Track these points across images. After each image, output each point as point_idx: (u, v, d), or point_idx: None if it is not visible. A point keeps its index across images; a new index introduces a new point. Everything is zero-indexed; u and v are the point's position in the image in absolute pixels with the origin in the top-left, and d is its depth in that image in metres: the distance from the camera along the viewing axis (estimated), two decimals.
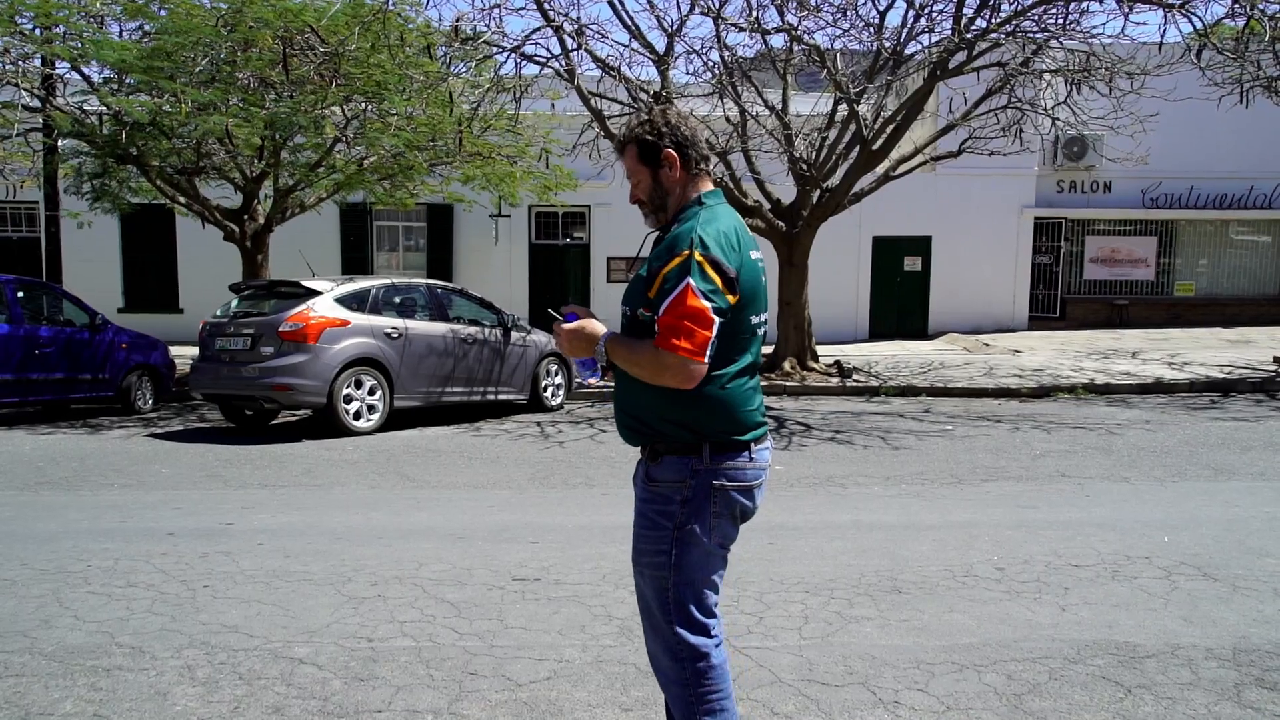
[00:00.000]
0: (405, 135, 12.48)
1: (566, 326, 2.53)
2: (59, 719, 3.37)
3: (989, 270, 21.65)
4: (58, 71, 12.97)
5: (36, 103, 12.78)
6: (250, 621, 4.31)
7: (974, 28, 12.47)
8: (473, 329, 11.20)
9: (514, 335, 11.66)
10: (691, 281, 2.29)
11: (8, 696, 3.55)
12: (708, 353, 2.32)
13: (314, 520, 6.36)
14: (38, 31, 12.12)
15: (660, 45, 13.26)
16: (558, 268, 21.63)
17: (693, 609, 2.48)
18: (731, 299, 2.36)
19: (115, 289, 20.48)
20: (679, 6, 12.81)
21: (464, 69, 12.97)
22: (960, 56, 12.81)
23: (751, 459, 2.49)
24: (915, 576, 4.90)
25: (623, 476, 7.68)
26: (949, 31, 12.73)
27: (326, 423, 9.97)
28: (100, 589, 4.83)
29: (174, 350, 13.50)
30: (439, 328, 10.85)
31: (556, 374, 12.28)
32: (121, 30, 13.04)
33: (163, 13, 12.15)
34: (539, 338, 12.10)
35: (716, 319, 2.31)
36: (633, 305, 2.48)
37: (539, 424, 10.94)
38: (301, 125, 12.00)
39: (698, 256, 2.32)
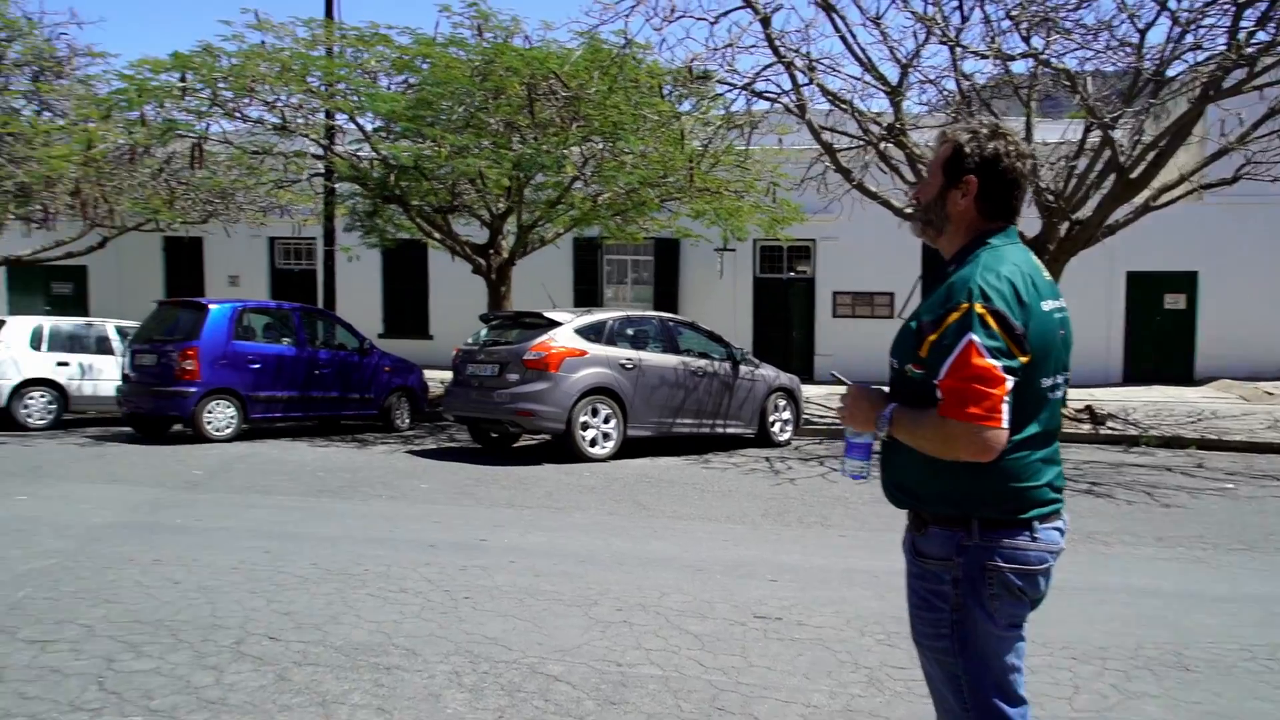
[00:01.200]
0: (640, 172, 12.98)
1: (852, 389, 2.29)
2: (349, 708, 3.72)
3: (1268, 310, 19.42)
4: (337, 122, 14.54)
5: (319, 150, 14.40)
6: (508, 635, 4.57)
7: (1255, 41, 11.33)
8: (702, 361, 11.39)
9: (742, 369, 11.74)
10: (974, 338, 2.02)
11: (306, 683, 3.96)
12: (1004, 416, 2.02)
13: (559, 542, 6.68)
14: (323, 88, 13.67)
15: (893, 76, 13.03)
16: (781, 302, 21.59)
17: (996, 701, 2.16)
18: (1022, 358, 2.06)
19: (376, 316, 22.54)
20: (915, 37, 12.44)
21: (694, 107, 13.34)
22: (1238, 74, 11.67)
23: (1034, 539, 2.14)
24: (1204, 653, 4.43)
25: (859, 519, 7.52)
26: (1224, 47, 11.64)
27: (564, 448, 10.45)
28: (377, 592, 5.30)
29: (426, 374, 14.65)
30: (670, 360, 11.12)
31: (785, 409, 12.23)
32: (390, 84, 14.46)
33: (424, 66, 13.37)
34: (767, 372, 12.11)
35: (1008, 377, 2.02)
36: (901, 359, 2.23)
37: (767, 459, 10.92)
38: (545, 165, 12.73)
39: (979, 309, 2.04)
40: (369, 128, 14.37)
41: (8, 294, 22.41)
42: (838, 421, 2.47)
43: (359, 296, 21.25)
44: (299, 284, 22.87)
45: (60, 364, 12.71)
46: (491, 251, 15.10)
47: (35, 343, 12.57)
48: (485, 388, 10.54)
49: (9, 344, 12.30)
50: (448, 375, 17.60)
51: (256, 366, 11.71)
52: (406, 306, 22.92)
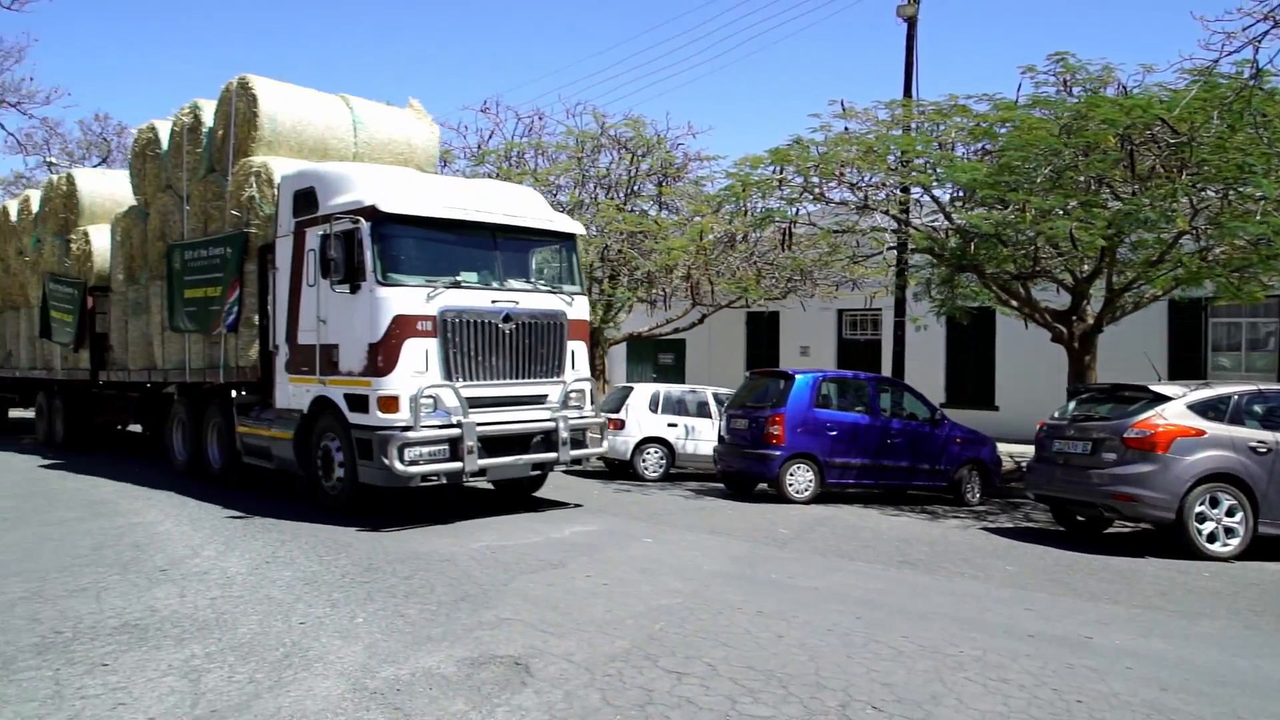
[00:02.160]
0: (1274, 220, 10.95)
1: None
2: None
3: None
4: (913, 195, 14.82)
5: (894, 225, 14.80)
6: None
7: None
8: None
9: None
10: None
11: None
12: None
13: (1185, 653, 5.74)
14: (901, 164, 14.05)
15: None
16: None
17: None
18: None
19: (938, 385, 22.29)
20: None
21: None
22: None
23: None
24: None
25: None
26: None
27: (1171, 541, 9.08)
28: (976, 677, 5.05)
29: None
30: None
31: None
32: (966, 153, 14.33)
33: (1003, 130, 12.96)
34: None
35: None
36: None
37: None
38: (1148, 221, 11.38)
39: None
40: (944, 198, 14.40)
41: (626, 363, 26.90)
42: None
43: (921, 366, 21.23)
44: (863, 353, 23.65)
45: (670, 425, 14.72)
46: (1074, 318, 13.96)
47: (653, 406, 14.75)
48: (1075, 466, 9.65)
49: (634, 406, 14.61)
50: (1016, 449, 16.68)
51: (833, 433, 12.26)
52: (970, 376, 22.28)
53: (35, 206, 16.49)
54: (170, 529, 8.74)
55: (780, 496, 12.03)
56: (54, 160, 32.19)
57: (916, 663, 5.28)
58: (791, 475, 12.08)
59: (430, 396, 8.72)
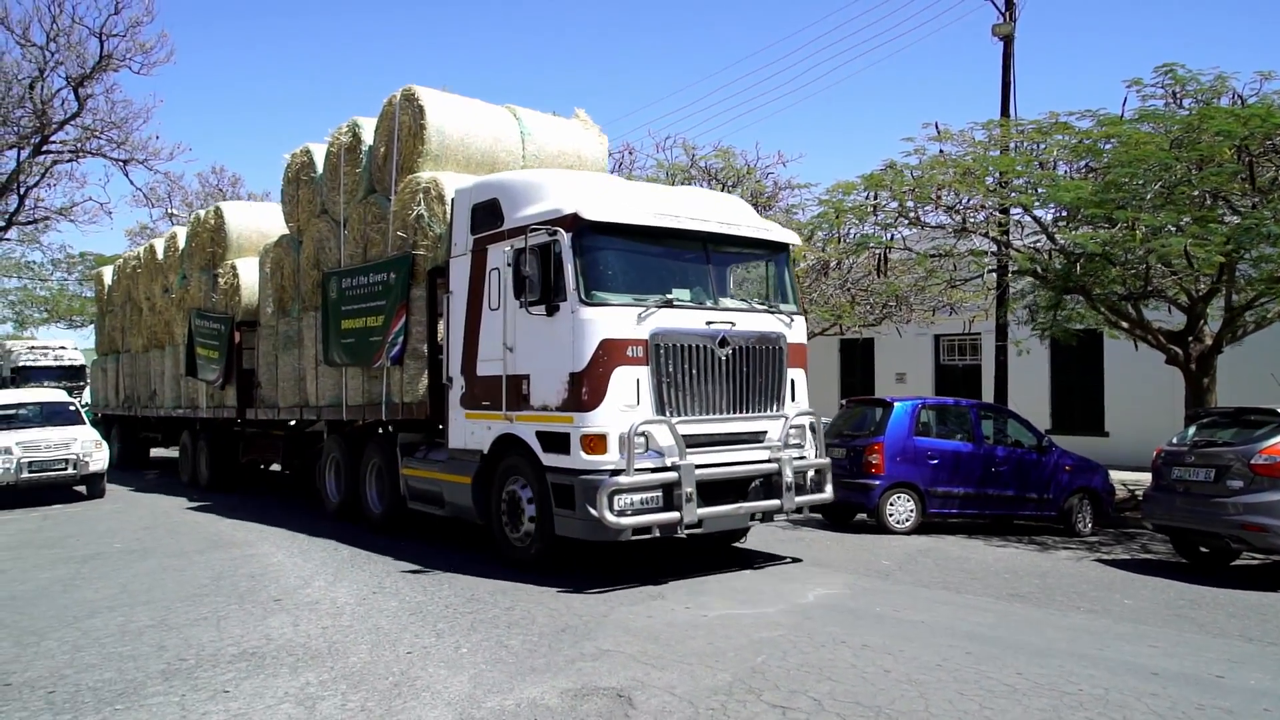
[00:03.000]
0: None
1: None
2: None
3: None
4: (1014, 216, 14.25)
5: (994, 247, 14.24)
6: None
7: None
8: None
9: None
10: None
11: None
12: None
13: None
14: (1000, 185, 13.54)
15: None
16: None
17: None
18: None
19: (1043, 411, 21.28)
20: None
21: None
22: None
23: None
24: None
25: None
26: None
27: None
28: (1097, 717, 4.69)
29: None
30: None
31: None
32: (1068, 171, 13.72)
33: (1108, 147, 12.34)
34: None
35: None
36: None
37: None
38: (1274, 234, 10.62)
39: None
40: (1046, 218, 13.79)
41: None
42: None
43: (1025, 391, 20.30)
44: (962, 379, 22.81)
45: None
46: (1191, 339, 13.13)
47: None
48: (1197, 495, 9.00)
49: None
50: (1129, 476, 15.73)
51: (934, 462, 11.79)
52: (1077, 400, 21.20)
53: (181, 243, 17.29)
54: (283, 560, 9.03)
55: (880, 527, 11.60)
56: (175, 211, 33.88)
57: (1033, 700, 4.94)
58: (892, 505, 11.65)
59: (643, 434, 7.59)
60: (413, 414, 10.19)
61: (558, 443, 7.86)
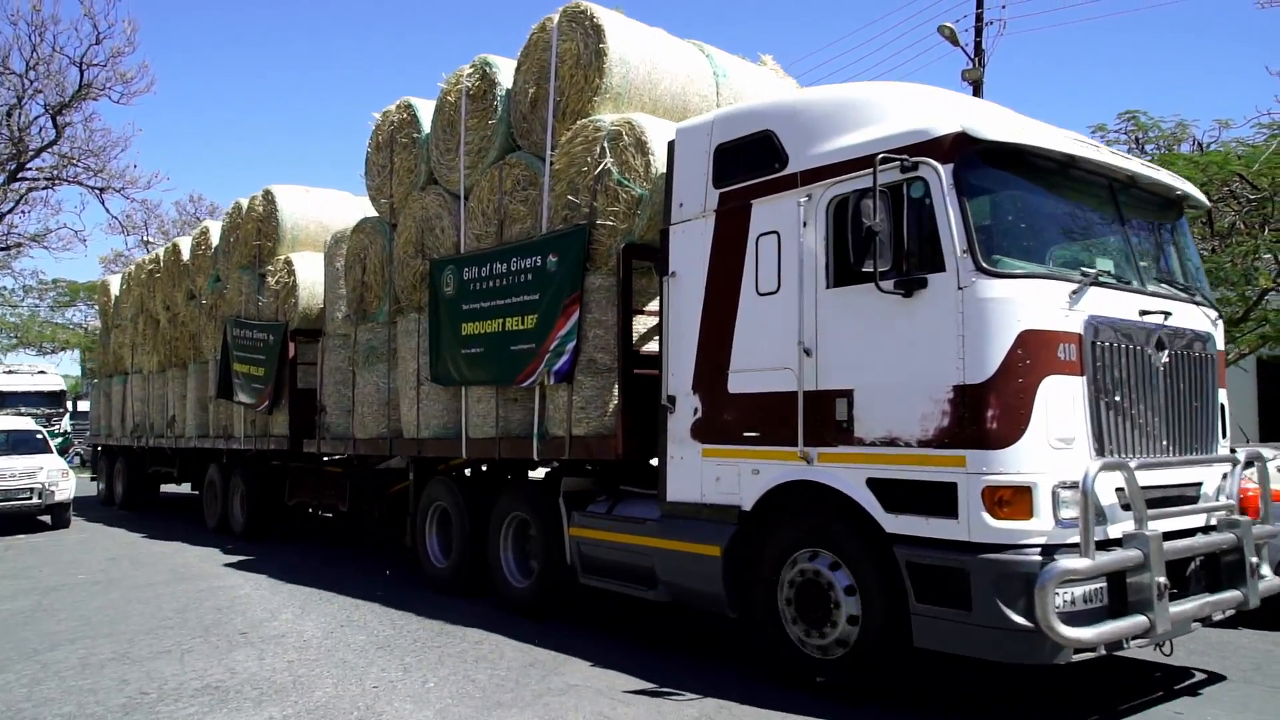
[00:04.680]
0: None
1: None
2: None
3: None
4: None
5: None
6: None
7: None
8: None
9: None
10: None
11: None
12: None
13: None
14: None
15: None
16: None
17: None
18: None
19: None
20: None
21: None
22: None
23: None
24: None
25: None
26: None
27: None
28: None
29: None
30: None
31: None
32: None
33: None
34: None
35: None
36: None
37: None
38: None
39: None
40: None
41: None
42: None
43: None
44: None
45: None
46: None
47: None
48: None
49: None
50: None
51: None
52: None
53: (215, 239, 14.01)
54: (250, 592, 8.66)
55: None
56: (151, 240, 32.73)
57: None
58: None
59: (1078, 488, 4.44)
60: (590, 451, 6.96)
61: (922, 498, 4.75)
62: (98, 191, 27.03)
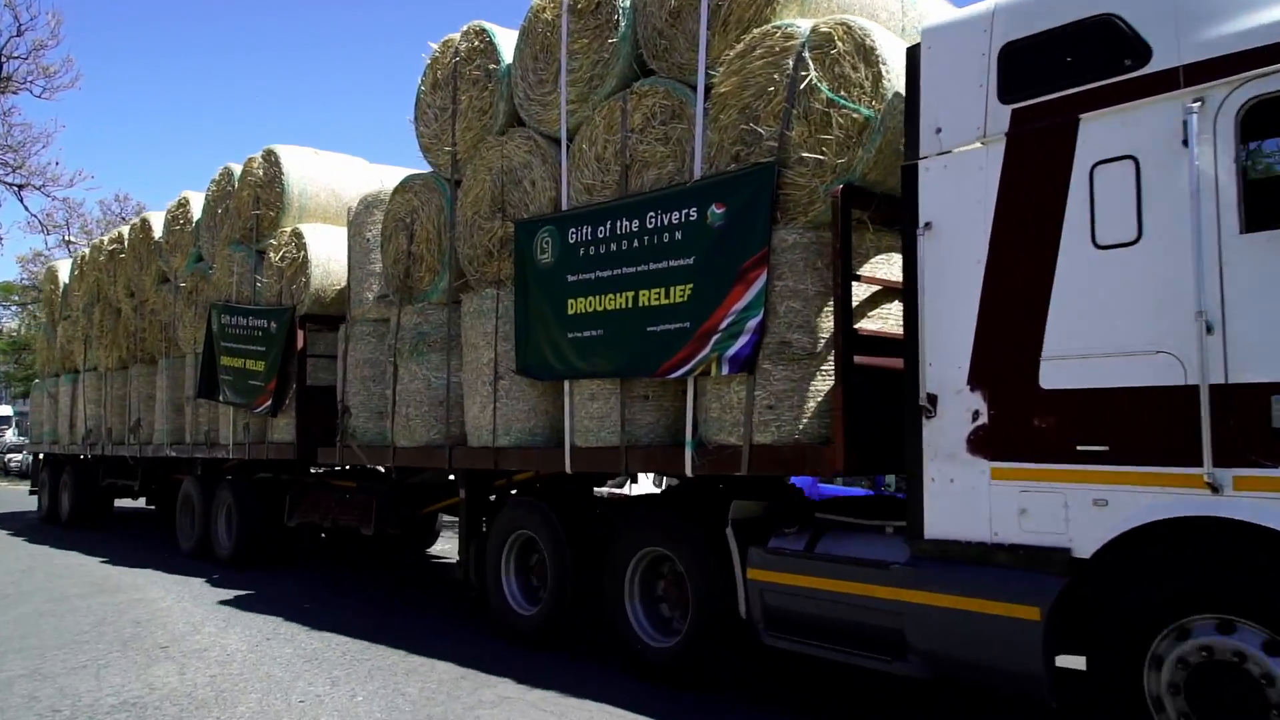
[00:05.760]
0: None
1: None
2: None
3: None
4: None
5: None
6: None
7: None
8: None
9: None
10: None
11: None
12: None
13: None
14: None
15: None
16: None
17: None
18: None
19: None
20: None
21: None
22: None
23: None
24: None
25: None
26: None
27: None
28: None
29: None
30: None
31: None
32: None
33: None
34: None
35: None
36: None
37: None
38: None
39: None
40: None
41: None
42: None
43: None
44: None
45: None
46: None
47: None
48: None
49: None
50: None
51: None
52: None
53: (197, 212, 11.74)
54: (171, 605, 8.26)
55: None
56: (73, 239, 30.74)
57: None
58: None
59: None
60: (783, 466, 5.10)
61: None
62: (16, 188, 24.80)
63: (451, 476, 8.33)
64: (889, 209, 4.96)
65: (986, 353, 4.19)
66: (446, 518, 10.45)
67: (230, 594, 8.73)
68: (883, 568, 4.53)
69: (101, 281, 14.24)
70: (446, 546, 11.81)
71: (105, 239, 14.90)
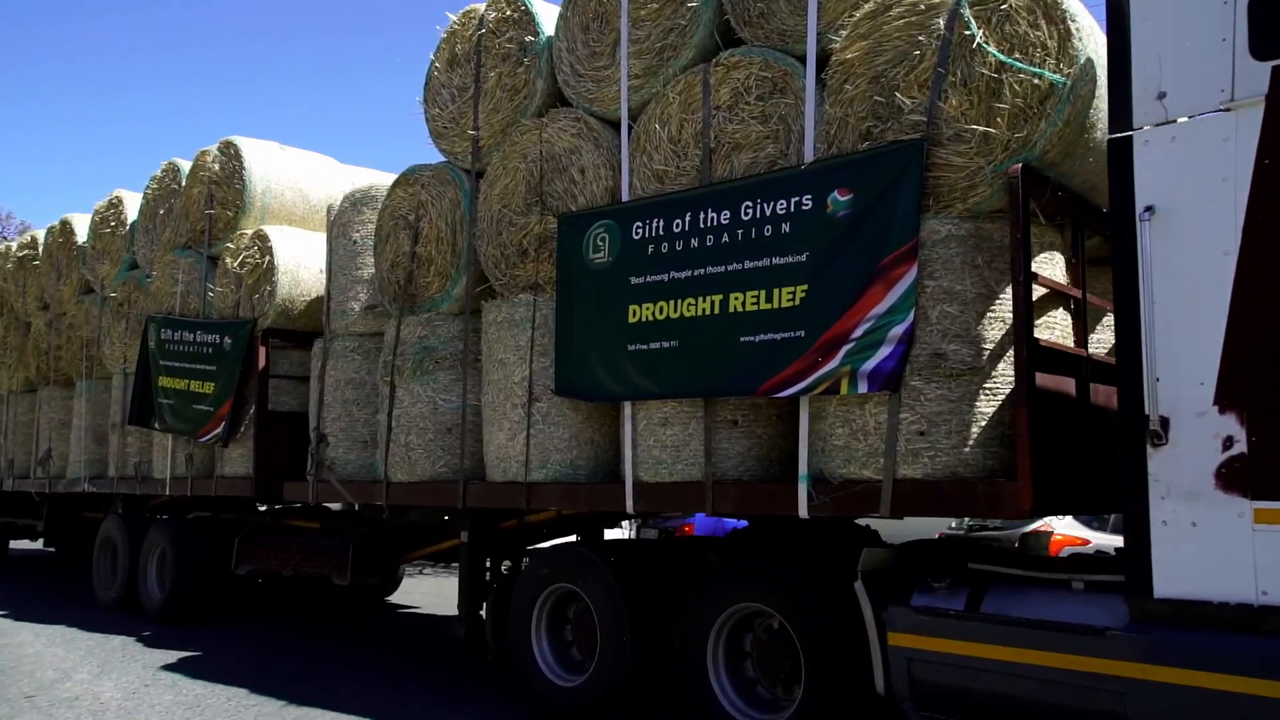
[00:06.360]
0: None
1: None
2: None
3: None
4: None
5: None
6: None
7: None
8: None
9: None
10: None
11: None
12: None
13: None
14: None
15: None
16: None
17: None
18: None
19: None
20: None
21: None
22: None
23: None
24: None
25: None
26: None
27: None
28: None
29: None
30: None
31: None
32: None
33: None
34: None
35: None
36: None
37: None
38: None
39: None
40: None
41: None
42: None
43: None
44: None
45: None
46: None
47: None
48: None
49: None
50: None
51: None
52: None
53: (131, 213, 10.17)
54: (40, 650, 7.52)
55: None
56: None
57: None
58: None
59: None
60: (939, 505, 4.15)
61: None
62: None
63: (446, 516, 7.15)
64: (1061, 202, 4.13)
65: (1242, 365, 3.34)
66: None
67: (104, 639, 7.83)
68: (1094, 634, 3.58)
69: (7, 292, 12.41)
70: (413, 595, 10.41)
71: (15, 244, 13.04)
